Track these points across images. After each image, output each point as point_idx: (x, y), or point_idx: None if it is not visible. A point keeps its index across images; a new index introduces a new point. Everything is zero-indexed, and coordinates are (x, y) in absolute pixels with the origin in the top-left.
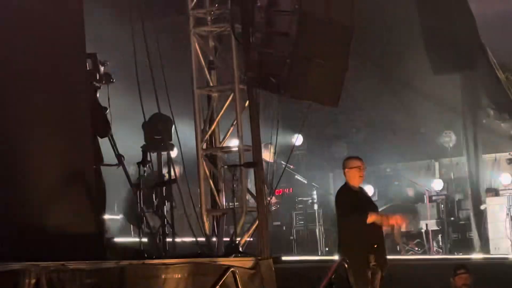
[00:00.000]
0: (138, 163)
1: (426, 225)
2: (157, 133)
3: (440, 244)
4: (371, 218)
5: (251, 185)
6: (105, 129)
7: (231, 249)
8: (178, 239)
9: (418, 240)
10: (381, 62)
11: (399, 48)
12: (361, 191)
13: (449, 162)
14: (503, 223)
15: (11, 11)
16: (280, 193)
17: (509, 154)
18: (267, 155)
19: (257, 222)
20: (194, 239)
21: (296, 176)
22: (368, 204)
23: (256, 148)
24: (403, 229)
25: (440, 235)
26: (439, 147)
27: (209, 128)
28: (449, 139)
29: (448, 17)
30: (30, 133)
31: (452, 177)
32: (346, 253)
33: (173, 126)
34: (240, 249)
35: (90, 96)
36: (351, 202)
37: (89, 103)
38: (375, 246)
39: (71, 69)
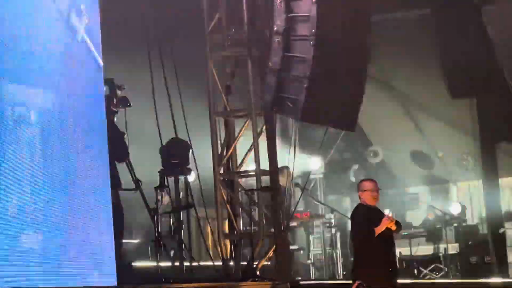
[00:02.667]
0: (156, 188)
1: (445, 249)
2: (174, 158)
3: (458, 268)
4: (378, 229)
5: (268, 209)
6: (123, 154)
7: (249, 273)
8: (195, 263)
9: (435, 264)
10: (397, 86)
11: (415, 71)
12: (375, 209)
13: (467, 186)
14: None
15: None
16: (305, 216)
17: None
18: (283, 180)
19: (274, 246)
20: (211, 263)
21: (313, 200)
22: (379, 221)
23: (273, 173)
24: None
25: (458, 259)
26: (456, 171)
27: (227, 152)
28: (467, 162)
29: (465, 40)
30: None
31: (470, 200)
32: (362, 277)
33: (191, 150)
34: (258, 273)
35: (107, 121)
36: (363, 216)
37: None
38: (390, 270)
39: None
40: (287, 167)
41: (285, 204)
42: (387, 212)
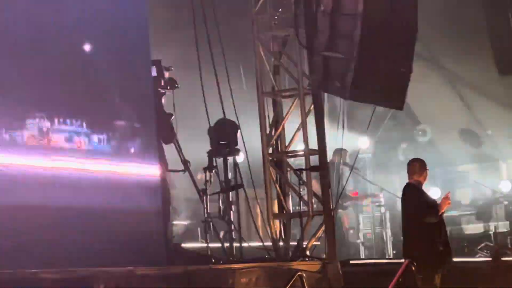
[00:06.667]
0: (204, 169)
1: (495, 227)
2: (222, 138)
3: (509, 246)
4: (441, 210)
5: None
6: (170, 135)
7: (298, 253)
8: (245, 244)
9: (486, 243)
10: (445, 63)
11: (463, 49)
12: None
13: None
14: None
15: (79, 18)
16: (354, 195)
17: None
18: (338, 159)
19: (323, 225)
20: (261, 243)
21: (362, 179)
22: (435, 202)
23: (322, 152)
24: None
25: (508, 237)
26: (506, 148)
27: (275, 132)
28: None
29: None
30: None
31: None
32: (413, 254)
33: (239, 131)
34: (307, 253)
35: (155, 102)
36: (422, 199)
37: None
38: (442, 248)
39: (136, 76)
40: (343, 149)
41: (335, 183)
42: (436, 190)
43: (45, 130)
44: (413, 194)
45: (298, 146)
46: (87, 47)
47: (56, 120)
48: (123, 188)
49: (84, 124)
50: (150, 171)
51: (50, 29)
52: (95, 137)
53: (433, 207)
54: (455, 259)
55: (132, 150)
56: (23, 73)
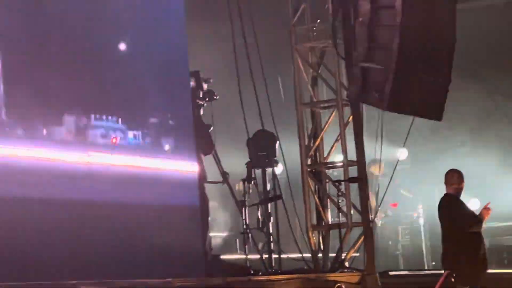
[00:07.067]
0: (243, 180)
1: None
2: (261, 150)
3: None
4: (483, 220)
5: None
6: (209, 147)
7: (337, 265)
8: (283, 255)
9: None
10: (484, 73)
11: (503, 58)
12: (461, 200)
13: None
14: None
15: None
16: (393, 206)
17: None
18: (376, 171)
19: (362, 237)
20: (300, 255)
21: (401, 191)
22: (473, 212)
23: (361, 163)
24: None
25: None
26: None
27: (313, 143)
28: None
29: None
30: None
31: None
32: (453, 265)
33: (277, 142)
34: (346, 264)
35: (193, 113)
36: (460, 210)
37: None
38: (480, 261)
39: (175, 87)
40: (379, 160)
41: (374, 195)
42: (475, 201)
43: (82, 126)
44: (451, 205)
45: (336, 157)
46: (123, 47)
47: (92, 117)
48: (158, 184)
49: (120, 121)
50: (185, 167)
51: (88, 27)
52: (130, 133)
53: (475, 216)
54: (495, 271)
55: (167, 147)
56: (61, 70)
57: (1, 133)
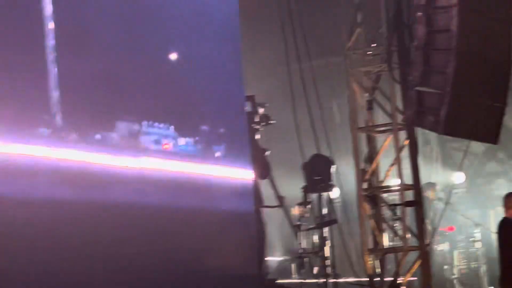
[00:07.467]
0: (299, 204)
1: None
2: (317, 174)
3: None
4: None
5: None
6: (265, 171)
7: None
8: (340, 280)
9: None
10: None
11: None
12: None
13: None
14: None
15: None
16: (449, 230)
17: None
18: (431, 194)
19: (419, 261)
20: (356, 279)
21: (457, 215)
22: None
23: (417, 187)
24: None
25: None
26: None
27: (369, 167)
28: None
29: None
30: None
31: None
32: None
33: (333, 166)
34: None
35: (250, 138)
36: None
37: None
38: None
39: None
40: (433, 183)
41: (430, 219)
42: None
43: (135, 132)
44: (506, 228)
45: (391, 181)
46: (174, 56)
47: (145, 123)
48: (211, 190)
49: (172, 128)
50: (236, 174)
51: (143, 38)
52: (181, 140)
53: None
54: None
55: (217, 154)
56: (114, 78)
57: (57, 137)
